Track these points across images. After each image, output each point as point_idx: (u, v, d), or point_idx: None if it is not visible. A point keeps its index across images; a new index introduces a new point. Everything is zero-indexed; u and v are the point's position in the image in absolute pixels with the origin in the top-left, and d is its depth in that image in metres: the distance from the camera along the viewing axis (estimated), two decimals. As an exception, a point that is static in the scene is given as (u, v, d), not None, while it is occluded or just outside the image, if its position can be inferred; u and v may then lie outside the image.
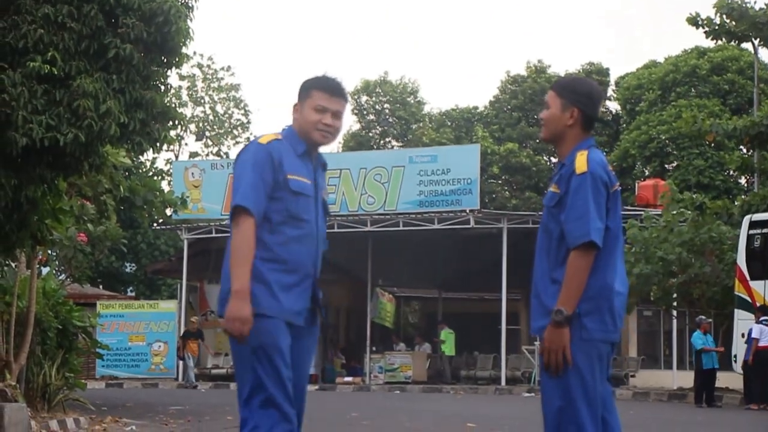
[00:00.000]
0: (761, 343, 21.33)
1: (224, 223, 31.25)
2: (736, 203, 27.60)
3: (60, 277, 19.35)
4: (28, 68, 10.12)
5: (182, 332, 31.32)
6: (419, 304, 45.18)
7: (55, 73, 10.16)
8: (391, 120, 54.71)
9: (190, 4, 11.11)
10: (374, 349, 32.27)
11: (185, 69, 47.89)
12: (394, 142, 54.41)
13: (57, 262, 19.65)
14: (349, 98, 5.20)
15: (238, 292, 4.73)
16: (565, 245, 4.72)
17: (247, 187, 4.90)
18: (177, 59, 11.17)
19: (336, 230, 28.77)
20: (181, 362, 31.15)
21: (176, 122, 11.82)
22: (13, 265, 14.70)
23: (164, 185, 36.33)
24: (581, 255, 4.65)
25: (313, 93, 5.03)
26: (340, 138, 63.03)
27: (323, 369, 32.58)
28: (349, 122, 55.17)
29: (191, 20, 11.03)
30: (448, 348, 33.11)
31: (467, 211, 29.56)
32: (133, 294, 43.10)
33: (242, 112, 54.96)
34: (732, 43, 31.13)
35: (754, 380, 21.49)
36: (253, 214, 4.84)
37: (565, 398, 4.69)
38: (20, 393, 13.13)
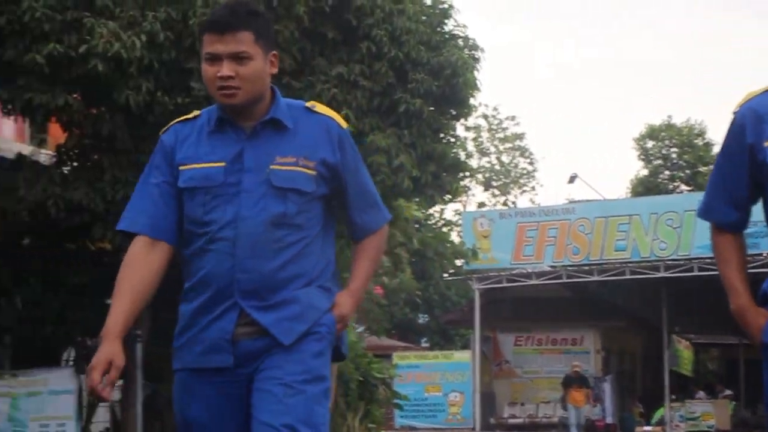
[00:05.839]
0: None
1: (514, 272, 31.26)
2: None
3: (359, 330, 19.83)
4: (323, 128, 10.42)
5: (563, 378, 28.59)
6: (718, 351, 43.71)
7: (351, 130, 10.42)
8: (679, 163, 53.43)
9: (476, 56, 11.26)
10: (673, 397, 31.40)
11: (471, 120, 48.57)
12: (683, 186, 53.05)
13: (355, 315, 20.16)
14: (257, 22, 3.45)
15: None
16: None
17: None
18: (465, 111, 11.32)
19: (628, 276, 28.29)
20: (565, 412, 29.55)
21: (466, 174, 11.95)
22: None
23: (453, 236, 36.75)
24: None
25: (203, 39, 3.47)
26: (627, 183, 60.64)
27: (621, 418, 31.98)
28: (636, 167, 54.19)
29: (478, 71, 11.16)
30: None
31: (765, 254, 28.41)
32: (427, 345, 43.64)
33: (528, 161, 55.13)
34: None
35: None
36: (141, 233, 3.52)
37: None
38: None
